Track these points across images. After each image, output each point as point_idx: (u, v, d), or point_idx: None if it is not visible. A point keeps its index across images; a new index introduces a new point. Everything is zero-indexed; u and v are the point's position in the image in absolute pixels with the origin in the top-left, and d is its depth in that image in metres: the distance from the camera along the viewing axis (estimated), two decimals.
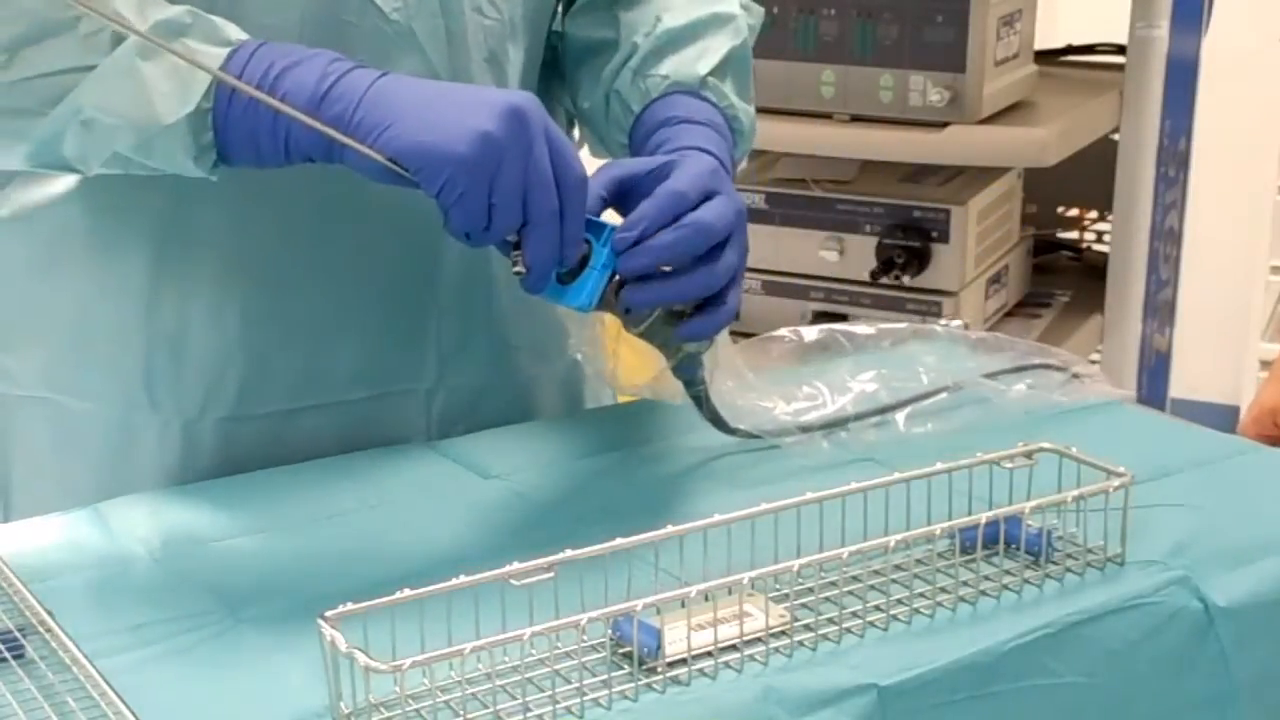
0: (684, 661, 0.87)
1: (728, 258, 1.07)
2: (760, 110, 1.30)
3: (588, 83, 1.27)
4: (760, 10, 1.31)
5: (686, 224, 1.05)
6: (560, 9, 1.30)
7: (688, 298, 1.07)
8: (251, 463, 1.18)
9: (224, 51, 1.01)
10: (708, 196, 1.07)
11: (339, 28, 1.12)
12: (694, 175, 1.07)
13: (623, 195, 1.08)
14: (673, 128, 1.17)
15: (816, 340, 1.31)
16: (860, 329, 1.34)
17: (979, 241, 2.05)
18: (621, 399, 1.35)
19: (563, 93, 1.32)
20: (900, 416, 1.23)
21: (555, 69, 1.32)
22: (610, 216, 1.08)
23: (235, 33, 1.03)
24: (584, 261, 1.04)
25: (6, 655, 0.88)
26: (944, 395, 1.25)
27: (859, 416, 1.22)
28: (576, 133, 1.33)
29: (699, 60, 1.21)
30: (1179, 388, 2.41)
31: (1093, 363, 2.28)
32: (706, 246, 1.06)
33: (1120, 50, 2.20)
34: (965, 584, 0.95)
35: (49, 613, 0.90)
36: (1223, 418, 3.18)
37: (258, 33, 1.06)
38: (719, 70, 1.22)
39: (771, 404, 1.22)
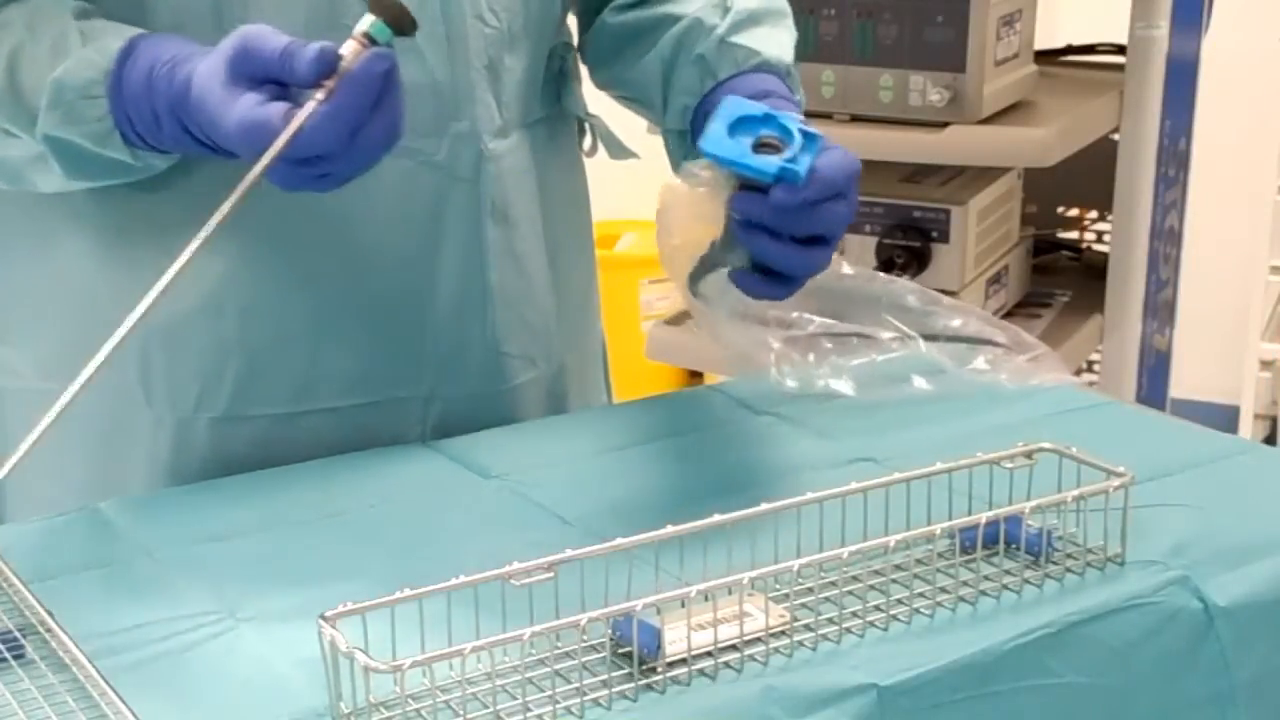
0: (684, 661, 0.87)
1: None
2: None
3: (629, 60, 1.28)
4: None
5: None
6: (586, 11, 1.32)
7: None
8: (244, 464, 1.18)
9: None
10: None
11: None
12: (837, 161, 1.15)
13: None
14: (770, 101, 1.18)
15: None
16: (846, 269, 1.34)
17: (979, 241, 2.05)
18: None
19: (573, 100, 1.33)
20: (847, 382, 1.23)
21: (564, 78, 1.32)
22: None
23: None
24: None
25: (6, 655, 0.88)
26: (896, 355, 1.26)
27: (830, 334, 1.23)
28: (587, 141, 1.33)
29: (781, 50, 1.24)
30: (1179, 388, 2.41)
31: (1092, 363, 2.30)
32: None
33: (1120, 50, 2.19)
34: (965, 584, 0.95)
35: (49, 613, 0.90)
36: (1223, 418, 3.19)
37: None
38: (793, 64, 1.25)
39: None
